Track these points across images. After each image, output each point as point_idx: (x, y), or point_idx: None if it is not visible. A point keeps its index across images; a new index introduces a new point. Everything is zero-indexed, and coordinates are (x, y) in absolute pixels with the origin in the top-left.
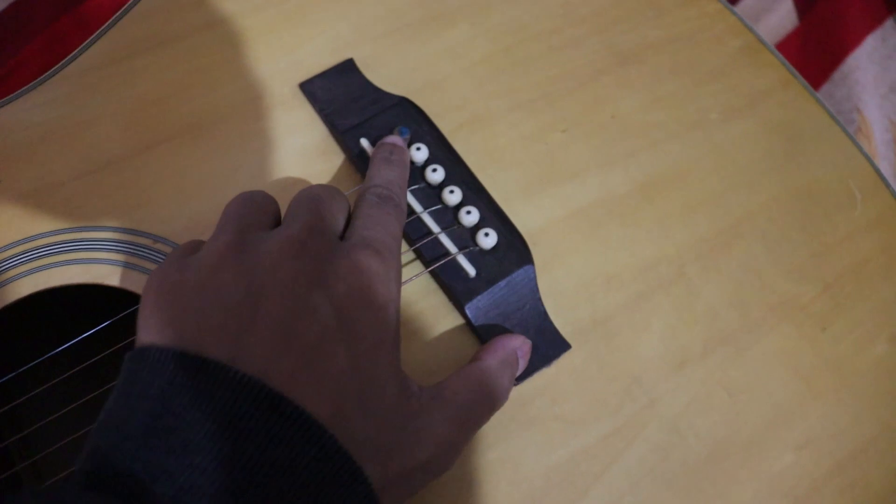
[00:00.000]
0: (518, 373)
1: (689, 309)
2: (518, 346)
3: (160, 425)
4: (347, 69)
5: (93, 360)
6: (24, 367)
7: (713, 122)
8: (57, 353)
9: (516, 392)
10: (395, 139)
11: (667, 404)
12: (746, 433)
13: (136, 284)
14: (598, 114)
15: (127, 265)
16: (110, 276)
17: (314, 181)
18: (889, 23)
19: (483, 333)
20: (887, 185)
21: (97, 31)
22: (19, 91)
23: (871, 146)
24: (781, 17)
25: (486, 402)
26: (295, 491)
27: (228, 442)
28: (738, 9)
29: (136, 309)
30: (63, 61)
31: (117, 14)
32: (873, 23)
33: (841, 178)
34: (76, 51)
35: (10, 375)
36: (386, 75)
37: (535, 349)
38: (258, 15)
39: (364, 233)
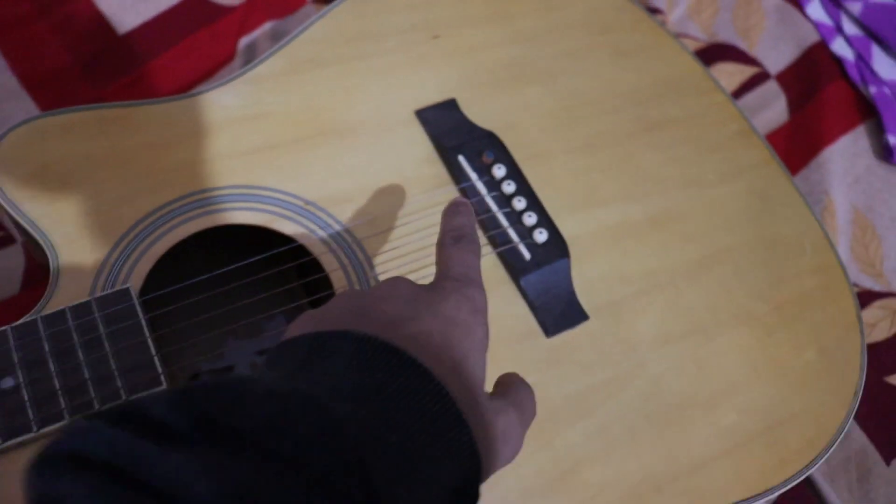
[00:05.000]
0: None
1: (675, 306)
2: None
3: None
4: (451, 106)
5: (249, 279)
6: (200, 278)
7: (709, 182)
8: (226, 270)
9: (550, 342)
10: (459, 199)
11: (652, 366)
12: (705, 395)
13: (288, 229)
14: (627, 163)
15: (284, 216)
16: (272, 222)
17: (422, 182)
18: (860, 128)
19: (531, 299)
20: (831, 245)
21: (272, 49)
22: (212, 84)
23: (834, 222)
24: (776, 113)
25: (531, 411)
26: (407, 413)
27: (365, 374)
28: (741, 102)
29: (290, 248)
30: (246, 67)
31: (288, 37)
32: (848, 126)
33: (798, 234)
34: (255, 62)
35: (188, 282)
36: (477, 113)
37: (563, 316)
38: (391, 56)
39: (464, 271)
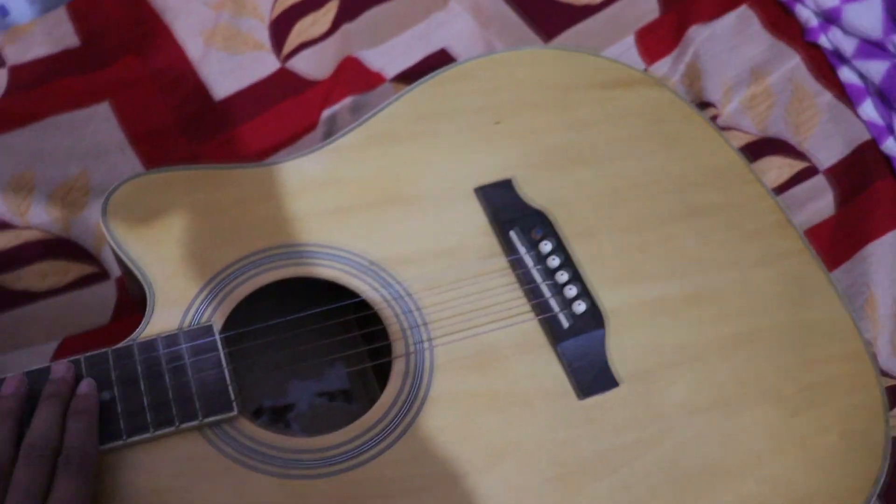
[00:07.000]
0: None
1: (704, 378)
2: None
3: None
4: (507, 185)
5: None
6: (274, 322)
7: (747, 265)
8: (295, 317)
9: (582, 403)
10: (61, 370)
11: (679, 432)
12: (728, 464)
13: (354, 284)
14: (668, 244)
15: (350, 273)
16: (340, 277)
17: (476, 251)
18: None
19: (566, 364)
20: (861, 335)
21: (353, 124)
22: (298, 153)
23: (875, 314)
24: (823, 206)
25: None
26: None
27: None
28: (789, 194)
29: (354, 301)
30: (331, 139)
31: (369, 113)
32: (895, 222)
33: (829, 321)
34: (338, 134)
35: (263, 325)
36: (530, 192)
37: (595, 381)
38: (458, 136)
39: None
